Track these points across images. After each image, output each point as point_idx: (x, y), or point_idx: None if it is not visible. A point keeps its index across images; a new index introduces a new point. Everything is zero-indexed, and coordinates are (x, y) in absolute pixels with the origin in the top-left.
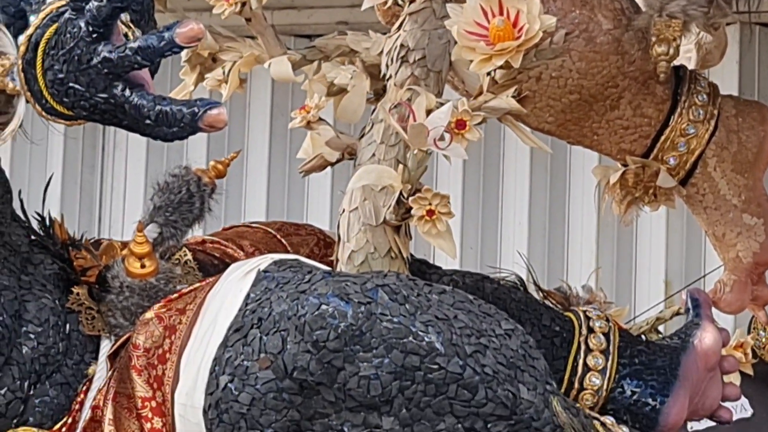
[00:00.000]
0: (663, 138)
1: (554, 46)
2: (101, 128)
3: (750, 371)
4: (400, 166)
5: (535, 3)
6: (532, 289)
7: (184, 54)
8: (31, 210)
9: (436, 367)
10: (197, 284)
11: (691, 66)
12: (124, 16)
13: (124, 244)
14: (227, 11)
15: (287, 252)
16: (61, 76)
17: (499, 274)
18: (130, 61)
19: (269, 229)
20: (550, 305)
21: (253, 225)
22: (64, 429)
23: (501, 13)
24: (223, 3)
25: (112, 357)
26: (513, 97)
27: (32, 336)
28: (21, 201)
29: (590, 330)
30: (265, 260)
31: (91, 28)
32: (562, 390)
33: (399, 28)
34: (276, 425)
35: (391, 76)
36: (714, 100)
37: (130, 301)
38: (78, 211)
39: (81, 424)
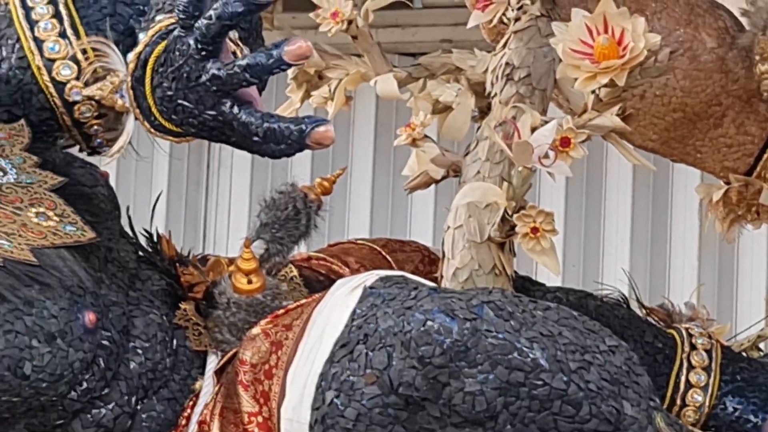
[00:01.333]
0: (766, 156)
1: (659, 64)
2: (206, 145)
3: None
4: (505, 184)
5: (640, 22)
6: (634, 305)
7: (290, 71)
8: (137, 226)
9: (540, 383)
10: (303, 300)
11: None
12: (233, 34)
13: (231, 261)
14: (334, 29)
15: (392, 268)
16: (170, 93)
17: (602, 291)
18: (238, 79)
19: (374, 246)
20: (653, 322)
21: (359, 241)
22: None
23: (606, 32)
24: (330, 21)
25: (219, 372)
26: (617, 114)
27: (140, 351)
28: (129, 218)
29: (692, 347)
30: (371, 276)
31: (200, 46)
32: (665, 406)
33: (504, 46)
34: None
35: (496, 94)
36: None
37: (237, 316)
38: (183, 228)
39: None
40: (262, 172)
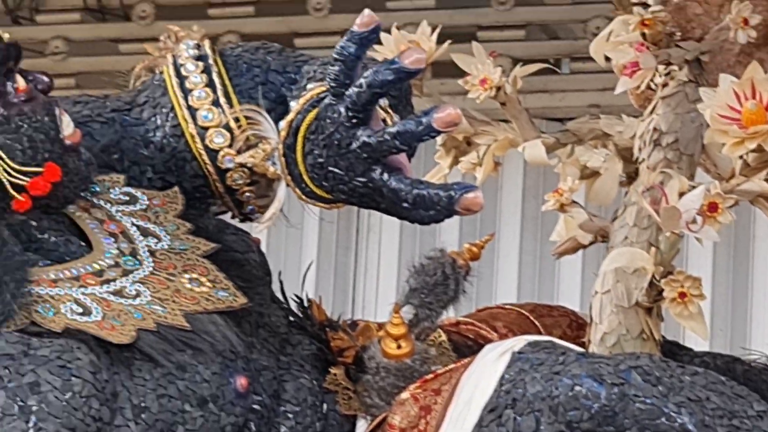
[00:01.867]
0: None
1: None
2: (356, 210)
3: None
4: (653, 249)
5: None
6: None
7: (439, 137)
8: (288, 291)
9: None
10: (452, 365)
11: None
12: (383, 101)
13: (380, 326)
14: (482, 95)
15: (540, 333)
16: (321, 160)
17: (750, 356)
18: (388, 146)
19: (522, 311)
20: None
21: (506, 306)
22: None
23: (753, 97)
24: (479, 87)
25: None
26: (765, 179)
27: (290, 416)
28: (280, 282)
29: None
30: (519, 341)
31: (350, 113)
32: None
33: (652, 111)
34: None
35: (643, 159)
36: None
37: (387, 381)
38: (333, 292)
39: None
40: (410, 238)
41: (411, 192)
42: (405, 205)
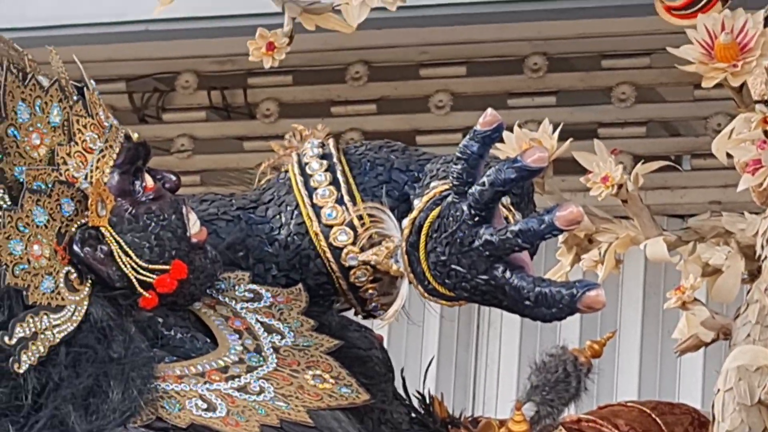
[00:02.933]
0: None
1: None
2: (476, 307)
3: None
4: None
5: None
6: None
7: (561, 235)
8: (410, 388)
9: None
10: None
11: None
12: (505, 199)
13: (502, 423)
14: (604, 193)
15: (662, 431)
16: (443, 258)
17: None
18: (510, 244)
19: (644, 408)
20: None
21: (628, 404)
22: None
23: None
24: (600, 185)
25: None
26: None
27: None
28: (403, 379)
29: None
30: None
31: (473, 212)
32: None
33: None
34: None
35: (766, 257)
36: None
37: None
38: (453, 389)
39: None
40: (531, 334)
41: (533, 290)
42: (527, 303)
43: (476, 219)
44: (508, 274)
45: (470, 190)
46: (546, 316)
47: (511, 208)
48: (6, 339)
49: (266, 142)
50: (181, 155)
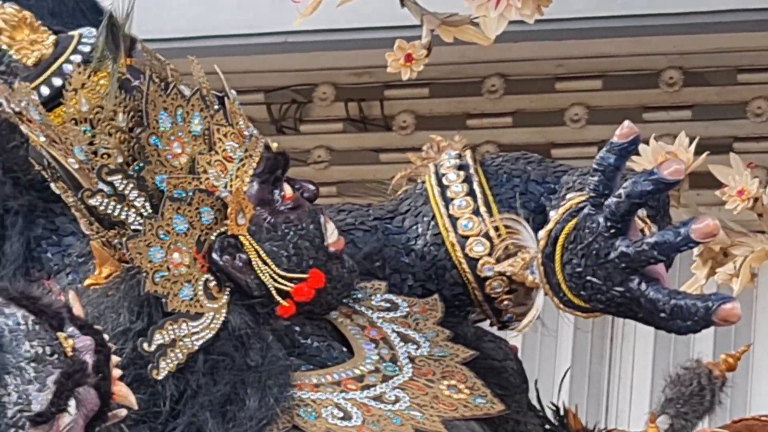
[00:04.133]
0: None
1: None
2: (610, 319)
3: None
4: None
5: None
6: None
7: (696, 248)
8: (543, 399)
9: None
10: None
11: None
12: (641, 212)
13: None
14: (739, 207)
15: None
16: (579, 269)
17: None
18: (646, 256)
19: None
20: None
21: (762, 418)
22: None
23: None
24: (736, 198)
25: None
26: None
27: None
28: (537, 390)
29: None
30: None
31: (609, 224)
32: None
33: None
34: None
35: None
36: None
37: None
38: (586, 401)
39: None
40: (664, 347)
41: (668, 302)
42: (662, 315)
43: (612, 231)
44: (643, 286)
45: (606, 202)
46: (681, 329)
47: (647, 220)
48: (145, 346)
49: (402, 154)
50: (317, 166)
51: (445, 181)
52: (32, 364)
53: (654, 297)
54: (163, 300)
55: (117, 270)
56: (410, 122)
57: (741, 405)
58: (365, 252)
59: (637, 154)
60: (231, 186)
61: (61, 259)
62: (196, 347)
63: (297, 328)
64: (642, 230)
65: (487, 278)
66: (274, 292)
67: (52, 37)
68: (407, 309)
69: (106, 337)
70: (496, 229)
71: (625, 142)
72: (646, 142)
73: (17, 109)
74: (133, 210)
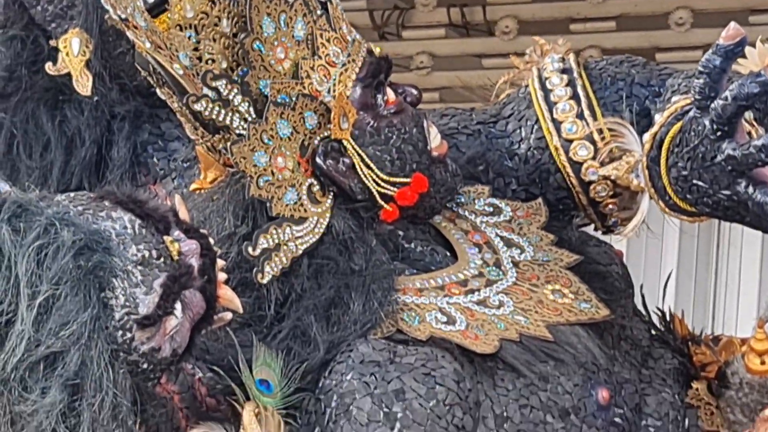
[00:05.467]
0: None
1: None
2: (716, 225)
3: None
4: None
5: None
6: None
7: None
8: (648, 305)
9: None
10: None
11: None
12: (748, 114)
13: (743, 341)
14: None
15: None
16: (684, 173)
17: None
18: (754, 159)
19: None
20: None
21: None
22: None
23: None
24: None
25: None
26: None
27: (652, 430)
28: (642, 296)
29: None
30: None
31: (715, 126)
32: None
33: None
34: None
35: None
36: None
37: (750, 397)
38: (692, 307)
39: None
40: None
41: None
42: None
43: (719, 134)
44: (751, 189)
45: (712, 105)
46: None
47: (754, 123)
48: (250, 250)
49: (505, 59)
50: (420, 72)
51: (548, 85)
52: (139, 268)
53: (762, 200)
54: (268, 204)
55: (222, 174)
56: (513, 27)
57: None
58: (468, 156)
59: (744, 56)
60: (334, 90)
61: (166, 164)
62: (301, 251)
63: (400, 233)
64: (749, 133)
65: (591, 182)
66: (377, 196)
67: None
68: (511, 213)
69: (211, 241)
70: (600, 132)
71: (731, 44)
72: (753, 45)
73: (123, 16)
74: (238, 115)
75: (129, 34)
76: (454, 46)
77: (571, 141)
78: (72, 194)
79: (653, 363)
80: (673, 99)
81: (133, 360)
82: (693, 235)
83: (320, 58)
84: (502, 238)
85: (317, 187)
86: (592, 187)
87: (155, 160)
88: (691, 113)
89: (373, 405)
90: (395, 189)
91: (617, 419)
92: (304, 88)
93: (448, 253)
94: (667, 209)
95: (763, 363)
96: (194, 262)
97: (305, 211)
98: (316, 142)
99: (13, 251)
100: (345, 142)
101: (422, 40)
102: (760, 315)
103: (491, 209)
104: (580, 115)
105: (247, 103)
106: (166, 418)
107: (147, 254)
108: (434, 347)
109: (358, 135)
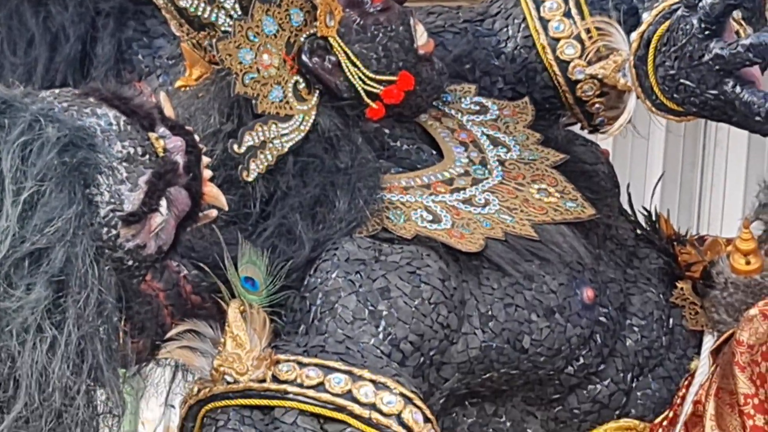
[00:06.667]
0: None
1: None
2: (703, 125)
3: None
4: None
5: None
6: None
7: None
8: (634, 204)
9: None
10: None
11: None
12: (736, 14)
13: (729, 241)
14: None
15: None
16: (672, 72)
17: None
18: (741, 58)
19: None
20: None
21: None
22: (665, 422)
23: None
24: None
25: (715, 353)
26: None
27: (636, 329)
28: (629, 195)
29: None
30: None
31: (703, 25)
32: None
33: None
34: None
35: None
36: None
37: (735, 297)
38: (677, 208)
39: (682, 418)
40: (758, 153)
41: (764, 105)
42: (757, 118)
43: (707, 33)
44: (738, 89)
45: (701, 4)
46: None
47: (743, 22)
48: (235, 147)
49: None
50: None
51: None
52: (124, 164)
53: (749, 99)
54: (253, 101)
55: (207, 72)
56: None
57: None
58: (455, 54)
59: None
60: None
61: (152, 60)
62: (286, 149)
63: (386, 131)
64: (737, 32)
65: (578, 81)
66: (363, 94)
67: None
68: (497, 112)
69: (196, 138)
70: (588, 31)
71: None
72: None
73: None
74: (223, 11)
75: None
76: None
77: (558, 40)
78: (57, 90)
79: (638, 263)
80: None
81: (118, 257)
82: (679, 135)
83: None
84: (488, 136)
85: (303, 84)
86: (578, 86)
87: (140, 57)
88: (679, 12)
89: (358, 303)
90: (381, 87)
91: (602, 318)
92: None
93: (434, 152)
94: (653, 108)
95: (748, 263)
96: (179, 159)
97: (291, 108)
98: (302, 39)
99: None
100: (331, 40)
101: None
102: (745, 215)
103: (477, 108)
104: (568, 14)
105: (232, 1)
106: (151, 315)
107: (132, 151)
108: (420, 246)
109: (344, 32)
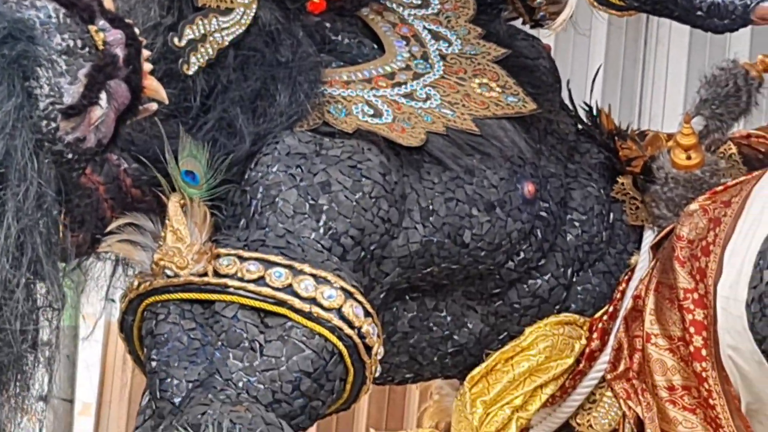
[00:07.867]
0: None
1: None
2: (644, 22)
3: None
4: None
5: None
6: None
7: None
8: (575, 99)
9: None
10: (742, 177)
11: None
12: None
13: (670, 136)
14: None
15: None
16: None
17: None
18: None
19: None
20: None
21: None
22: (605, 317)
23: None
24: None
25: (655, 248)
26: None
27: (576, 224)
28: (569, 91)
29: None
30: None
31: None
32: None
33: None
34: None
35: None
36: None
37: (675, 192)
38: (619, 103)
39: (621, 313)
40: (699, 49)
41: (706, 0)
42: (699, 13)
43: None
44: None
45: None
46: (718, 27)
47: None
48: (176, 40)
49: None
50: None
51: None
52: (63, 57)
53: None
54: None
55: None
56: None
57: None
58: None
59: None
60: None
61: None
62: (227, 42)
63: (327, 25)
64: None
65: None
66: None
67: None
68: (439, 6)
69: (136, 31)
70: None
71: None
72: None
73: None
74: None
75: None
76: None
77: None
78: None
79: (579, 157)
80: None
81: (57, 150)
82: (621, 30)
83: None
84: (429, 31)
85: None
86: None
87: None
88: None
89: (299, 197)
90: None
91: (543, 213)
92: None
93: (375, 46)
94: (595, 3)
95: (689, 158)
96: (119, 52)
97: (231, 2)
98: None
99: None
100: None
101: None
102: (686, 110)
103: (419, 2)
104: None
105: None
106: (91, 208)
107: (72, 44)
108: (361, 140)
109: None
